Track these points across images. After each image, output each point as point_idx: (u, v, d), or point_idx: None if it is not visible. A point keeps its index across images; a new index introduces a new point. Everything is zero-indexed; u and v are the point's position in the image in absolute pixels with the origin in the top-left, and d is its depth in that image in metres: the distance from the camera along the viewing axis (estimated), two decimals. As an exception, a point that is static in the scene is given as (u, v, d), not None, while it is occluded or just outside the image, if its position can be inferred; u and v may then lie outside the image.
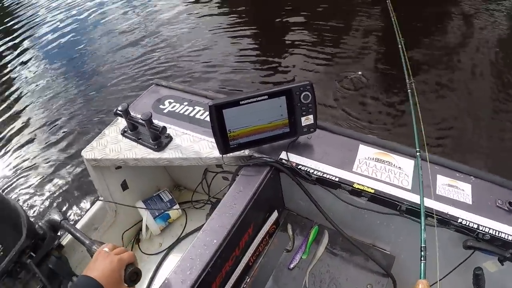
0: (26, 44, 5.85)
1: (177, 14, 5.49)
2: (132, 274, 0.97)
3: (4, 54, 5.70)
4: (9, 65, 5.38)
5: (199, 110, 1.63)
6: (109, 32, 5.52)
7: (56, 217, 1.51)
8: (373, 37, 4.31)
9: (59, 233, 1.55)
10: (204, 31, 4.99)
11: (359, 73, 3.68)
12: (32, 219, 1.49)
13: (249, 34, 4.77)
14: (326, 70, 3.91)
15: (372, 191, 1.22)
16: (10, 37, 6.09)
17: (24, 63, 5.37)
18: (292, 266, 1.39)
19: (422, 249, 1.03)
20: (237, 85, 3.94)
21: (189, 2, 5.73)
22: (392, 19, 1.77)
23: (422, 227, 1.07)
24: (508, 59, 3.72)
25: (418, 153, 1.24)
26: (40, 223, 1.51)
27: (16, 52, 5.63)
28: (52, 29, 6.00)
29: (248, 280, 1.37)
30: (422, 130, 1.27)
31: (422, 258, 1.02)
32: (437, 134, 3.00)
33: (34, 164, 3.61)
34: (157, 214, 1.84)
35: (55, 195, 3.18)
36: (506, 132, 3.00)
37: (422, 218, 1.09)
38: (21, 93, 4.71)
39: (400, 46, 1.58)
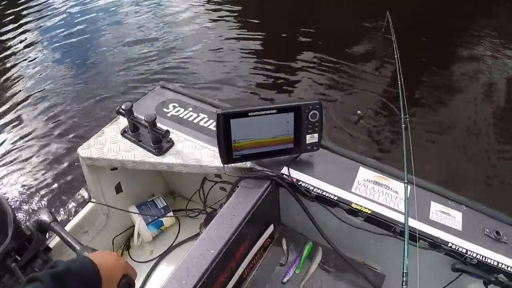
0: (32, 30, 5.83)
1: (190, 18, 5.65)
2: (125, 284, 0.93)
3: (9, 39, 5.64)
4: (13, 50, 5.32)
5: (204, 118, 1.62)
6: (119, 28, 5.59)
7: (45, 218, 1.44)
8: (381, 68, 4.45)
9: (47, 235, 1.50)
10: (213, 37, 5.14)
11: (359, 112, 3.76)
12: (18, 219, 1.43)
13: (259, 47, 4.89)
14: (329, 93, 4.03)
15: (369, 211, 1.26)
16: (18, 23, 6.03)
17: (27, 48, 5.33)
18: (285, 280, 1.39)
19: (404, 275, 1.07)
20: (241, 96, 4.01)
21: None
22: (396, 56, 1.84)
23: (405, 255, 1.10)
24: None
25: (406, 184, 1.31)
26: (27, 224, 1.44)
27: (21, 38, 5.58)
28: (60, 19, 6.00)
29: (241, 292, 1.36)
30: (411, 161, 1.37)
31: (404, 284, 1.05)
32: (431, 167, 3.11)
33: (25, 158, 3.48)
34: (150, 220, 1.80)
35: (44, 193, 3.06)
36: (497, 168, 3.19)
37: (406, 245, 1.12)
38: (20, 82, 4.63)
39: (399, 83, 1.64)
